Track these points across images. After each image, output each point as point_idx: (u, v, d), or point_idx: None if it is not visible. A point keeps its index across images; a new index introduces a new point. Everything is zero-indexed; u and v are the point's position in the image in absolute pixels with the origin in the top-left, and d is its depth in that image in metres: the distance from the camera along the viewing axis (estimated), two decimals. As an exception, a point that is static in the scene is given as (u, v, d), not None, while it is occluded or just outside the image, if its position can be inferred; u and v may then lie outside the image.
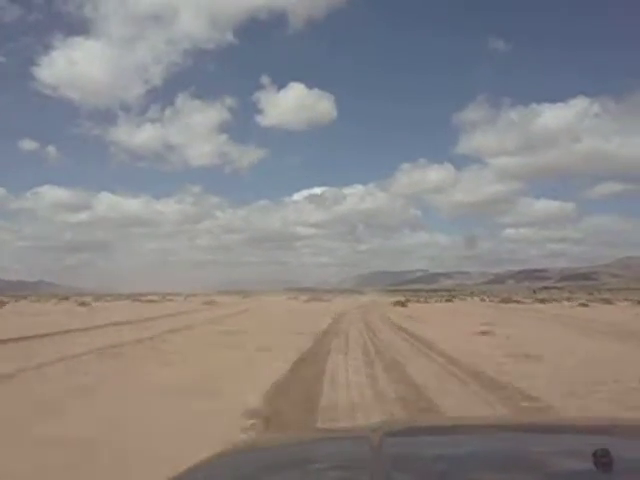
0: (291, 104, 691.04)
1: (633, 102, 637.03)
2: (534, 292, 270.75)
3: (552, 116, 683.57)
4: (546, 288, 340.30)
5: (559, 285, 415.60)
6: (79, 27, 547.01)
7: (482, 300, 74.95)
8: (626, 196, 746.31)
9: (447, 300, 69.53)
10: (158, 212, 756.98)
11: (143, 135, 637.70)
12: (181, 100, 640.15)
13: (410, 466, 1.32)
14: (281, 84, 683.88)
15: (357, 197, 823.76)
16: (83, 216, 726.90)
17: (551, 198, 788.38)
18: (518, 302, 63.98)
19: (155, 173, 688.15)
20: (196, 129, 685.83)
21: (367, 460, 1.32)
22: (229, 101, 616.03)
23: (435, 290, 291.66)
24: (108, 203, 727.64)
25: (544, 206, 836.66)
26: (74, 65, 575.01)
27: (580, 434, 1.65)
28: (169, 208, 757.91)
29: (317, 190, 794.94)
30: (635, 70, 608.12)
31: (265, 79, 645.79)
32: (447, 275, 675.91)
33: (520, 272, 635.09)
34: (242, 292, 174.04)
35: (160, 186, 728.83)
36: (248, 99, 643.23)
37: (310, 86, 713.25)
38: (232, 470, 1.48)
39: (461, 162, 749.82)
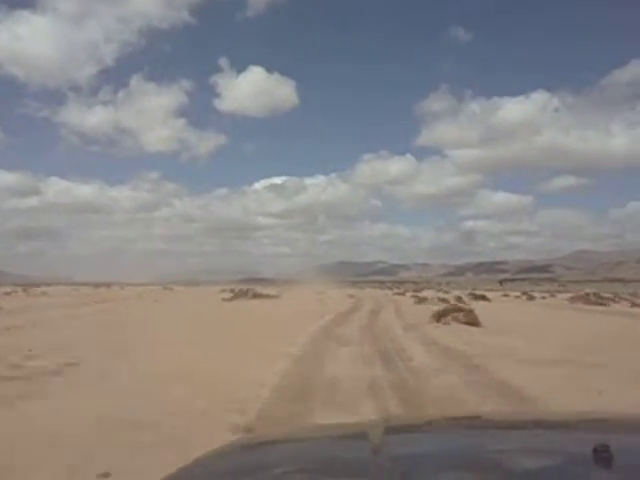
0: (251, 89, 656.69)
1: (590, 97, 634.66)
2: (500, 284, 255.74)
3: (513, 109, 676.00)
4: (510, 280, 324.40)
5: (517, 277, 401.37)
6: (24, 0, 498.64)
7: (528, 298, 46.60)
8: (580, 190, 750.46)
9: (477, 298, 39.55)
10: (112, 199, 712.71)
11: (94, 118, 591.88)
12: (135, 82, 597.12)
13: (410, 463, 1.26)
14: (240, 68, 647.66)
15: (318, 187, 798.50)
16: (32, 202, 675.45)
17: (509, 191, 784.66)
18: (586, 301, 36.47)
19: (108, 158, 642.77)
20: (151, 113, 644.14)
21: (367, 457, 1.27)
22: (186, 84, 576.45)
23: (399, 282, 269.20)
24: (58, 189, 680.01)
25: (503, 199, 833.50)
26: (19, 41, 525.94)
27: (580, 429, 1.59)
28: (124, 195, 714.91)
29: (278, 180, 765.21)
30: (593, 65, 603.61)
31: (224, 62, 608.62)
32: (407, 267, 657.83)
33: (479, 264, 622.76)
34: (191, 283, 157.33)
35: (114, 172, 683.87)
36: (206, 82, 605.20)
37: (270, 70, 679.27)
38: (229, 467, 1.39)
39: (422, 154, 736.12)
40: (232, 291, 39.45)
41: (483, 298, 38.05)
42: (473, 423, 1.82)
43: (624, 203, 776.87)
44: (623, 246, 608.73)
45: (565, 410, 5.25)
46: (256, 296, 37.12)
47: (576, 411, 4.60)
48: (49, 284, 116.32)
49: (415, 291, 69.58)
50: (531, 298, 46.33)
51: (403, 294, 58.03)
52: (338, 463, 1.31)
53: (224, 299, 34.93)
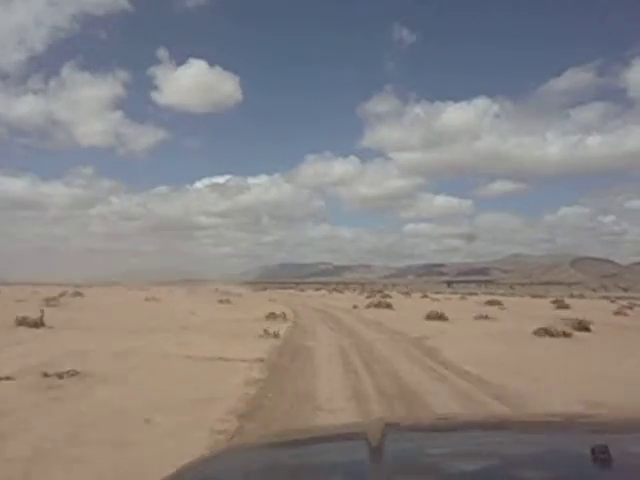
0: (191, 82, 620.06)
1: (529, 104, 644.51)
2: (448, 285, 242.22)
3: (455, 114, 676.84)
4: (455, 282, 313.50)
5: (456, 280, 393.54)
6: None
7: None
8: (516, 195, 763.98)
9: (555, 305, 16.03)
10: (44, 195, 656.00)
11: (24, 107, 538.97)
12: (67, 70, 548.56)
13: (410, 464, 1.26)
14: (180, 60, 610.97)
15: (262, 187, 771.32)
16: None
17: (450, 194, 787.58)
18: None
19: (40, 151, 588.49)
20: (85, 104, 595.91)
21: (366, 459, 1.25)
22: (122, 75, 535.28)
23: (343, 283, 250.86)
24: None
25: (443, 202, 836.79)
26: None
27: (578, 430, 1.59)
28: (57, 191, 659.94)
29: (220, 179, 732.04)
30: (532, 72, 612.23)
31: (162, 53, 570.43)
32: (350, 268, 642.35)
33: (421, 267, 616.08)
34: (116, 284, 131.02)
35: (46, 166, 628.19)
36: (143, 74, 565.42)
37: (212, 64, 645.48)
38: (226, 471, 1.36)
39: (366, 155, 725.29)
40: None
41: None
42: (471, 424, 1.80)
43: (556, 208, 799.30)
44: (555, 250, 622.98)
45: (563, 411, 5.28)
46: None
47: (574, 412, 4.74)
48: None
49: (383, 296, 47.07)
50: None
51: (385, 304, 30.13)
52: (337, 464, 1.29)
53: None
